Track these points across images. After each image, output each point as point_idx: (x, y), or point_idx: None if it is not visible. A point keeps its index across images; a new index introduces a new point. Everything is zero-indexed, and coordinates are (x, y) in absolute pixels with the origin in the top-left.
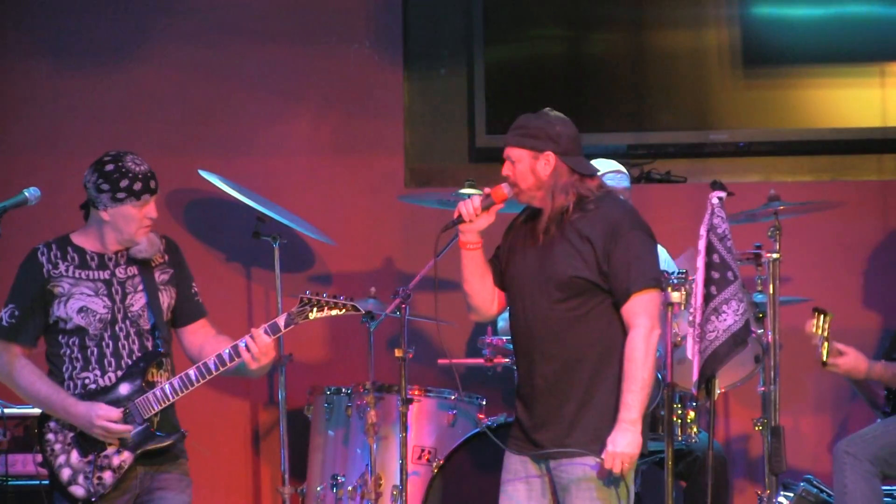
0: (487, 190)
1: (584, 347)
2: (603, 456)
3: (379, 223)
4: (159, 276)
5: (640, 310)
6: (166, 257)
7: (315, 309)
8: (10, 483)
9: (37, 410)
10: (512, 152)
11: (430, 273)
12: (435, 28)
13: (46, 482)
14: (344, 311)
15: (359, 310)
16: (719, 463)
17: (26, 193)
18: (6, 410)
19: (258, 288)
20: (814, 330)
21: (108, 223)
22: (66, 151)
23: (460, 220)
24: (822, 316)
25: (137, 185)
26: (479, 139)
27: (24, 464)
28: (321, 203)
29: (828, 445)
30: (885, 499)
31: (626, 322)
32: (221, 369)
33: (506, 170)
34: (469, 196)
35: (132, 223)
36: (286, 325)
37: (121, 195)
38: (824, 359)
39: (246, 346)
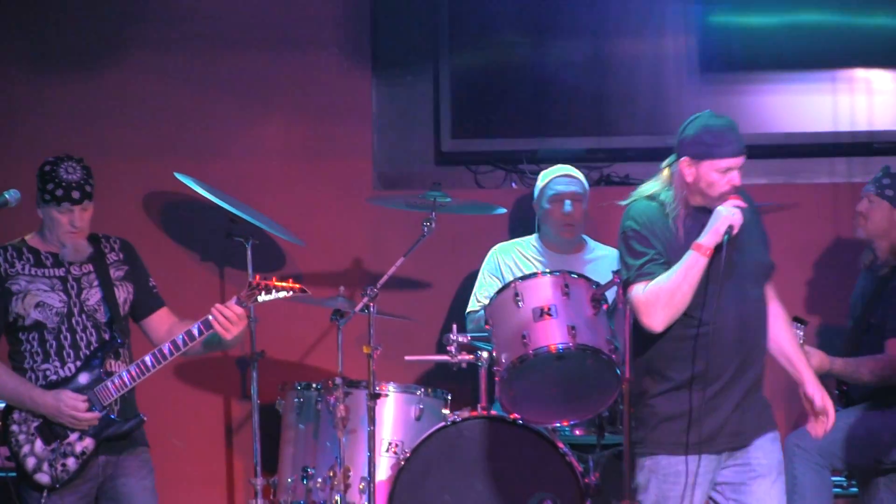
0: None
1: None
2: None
3: (348, 224)
4: (114, 273)
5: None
6: (121, 255)
7: (263, 292)
8: None
9: (2, 404)
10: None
11: (398, 272)
12: (402, 36)
13: (13, 473)
14: (291, 293)
15: (306, 291)
16: None
17: (7, 195)
18: None
19: (231, 287)
20: None
21: (44, 222)
22: (45, 155)
23: (730, 229)
24: (799, 324)
25: (59, 192)
26: (444, 143)
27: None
28: (292, 205)
29: (784, 438)
30: (835, 489)
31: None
32: (190, 344)
33: (738, 180)
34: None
35: (57, 227)
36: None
37: (46, 197)
38: None
39: (215, 317)
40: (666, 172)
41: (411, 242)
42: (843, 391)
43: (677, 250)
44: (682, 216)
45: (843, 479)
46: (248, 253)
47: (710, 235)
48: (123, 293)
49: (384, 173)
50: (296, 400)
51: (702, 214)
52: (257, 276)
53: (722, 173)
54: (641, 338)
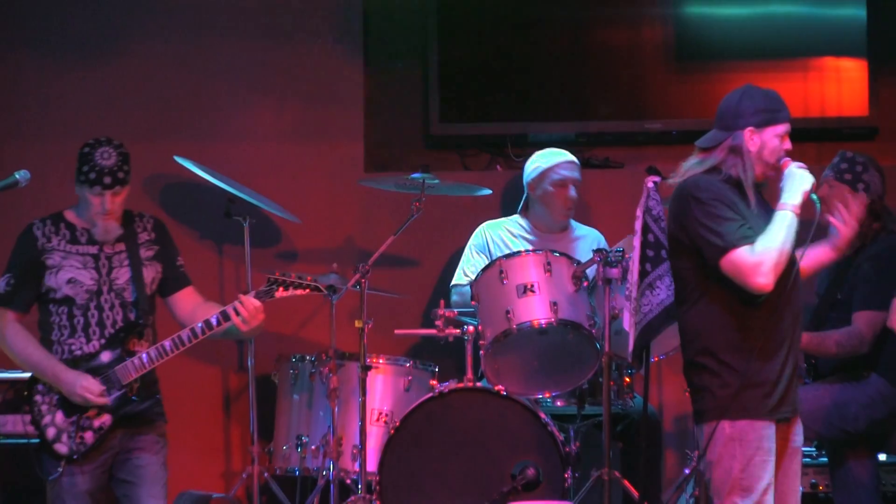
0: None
1: None
2: None
3: (340, 205)
4: (144, 253)
5: None
6: (153, 235)
7: (281, 288)
8: (1, 442)
9: (24, 375)
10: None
11: (388, 250)
12: (393, 25)
13: (36, 440)
14: (308, 290)
15: (321, 290)
16: (653, 425)
17: (17, 176)
18: None
19: (229, 264)
20: None
21: (80, 200)
22: (52, 138)
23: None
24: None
25: (92, 175)
26: (432, 127)
27: (14, 424)
28: (287, 186)
29: None
30: (805, 459)
31: None
32: (209, 333)
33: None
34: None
35: (90, 207)
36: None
37: (81, 178)
38: None
39: (235, 310)
40: (718, 150)
41: (401, 222)
42: (811, 365)
43: (753, 219)
44: (752, 186)
45: (813, 449)
46: (246, 231)
47: (797, 195)
48: (152, 272)
49: (375, 156)
50: (291, 371)
51: (758, 184)
52: (277, 272)
53: (781, 138)
54: (714, 307)
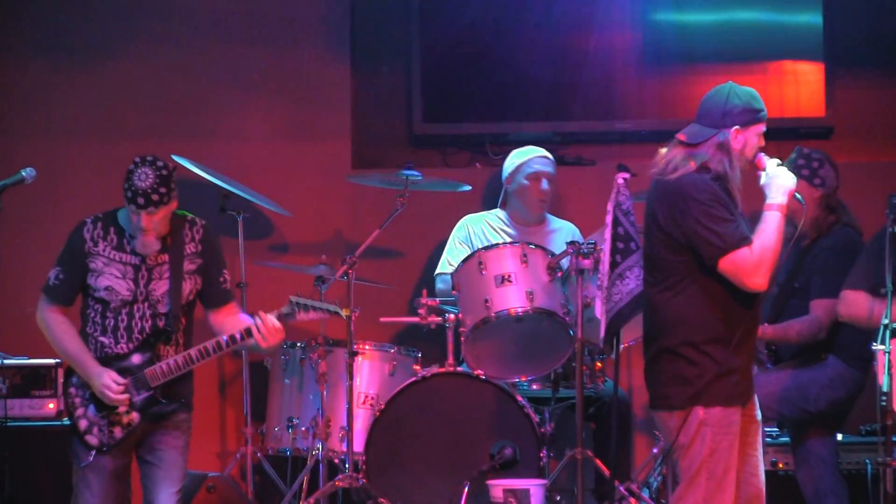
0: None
1: None
2: None
3: (329, 200)
4: (187, 266)
5: None
6: (199, 247)
7: (302, 311)
8: (8, 425)
9: (31, 361)
10: None
11: (374, 243)
12: (378, 30)
13: (41, 423)
14: (327, 314)
15: (340, 314)
16: (623, 407)
17: (23, 173)
18: (5, 361)
19: (225, 255)
20: None
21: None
22: (57, 137)
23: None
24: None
25: (129, 194)
26: (416, 127)
27: (21, 408)
28: (279, 182)
29: None
30: (766, 439)
31: None
32: (232, 346)
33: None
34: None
35: (130, 221)
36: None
37: (123, 193)
38: None
39: (257, 328)
40: (705, 146)
41: (386, 216)
42: (772, 350)
43: (740, 217)
44: (739, 185)
45: (775, 429)
46: (240, 225)
47: (783, 195)
48: (190, 285)
49: (361, 154)
50: (282, 357)
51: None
52: (300, 294)
53: (760, 136)
54: (701, 300)
